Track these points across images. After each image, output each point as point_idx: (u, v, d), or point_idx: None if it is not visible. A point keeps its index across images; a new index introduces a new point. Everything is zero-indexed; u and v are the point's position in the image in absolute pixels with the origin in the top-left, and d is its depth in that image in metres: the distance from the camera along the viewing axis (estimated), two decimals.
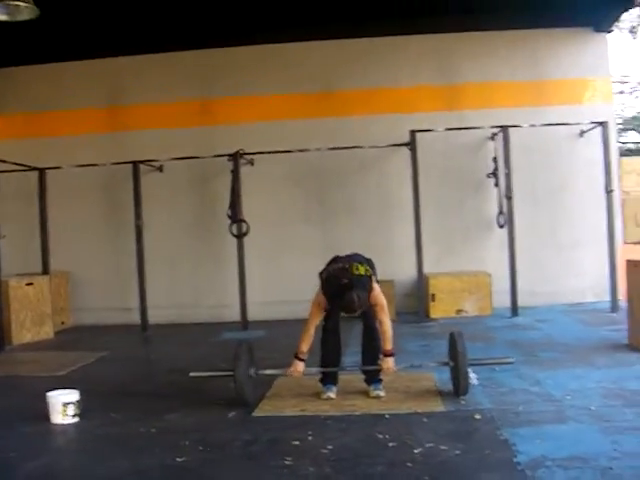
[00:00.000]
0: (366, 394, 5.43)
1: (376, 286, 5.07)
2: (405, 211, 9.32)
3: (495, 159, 9.65)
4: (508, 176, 9.07)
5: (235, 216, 9.21)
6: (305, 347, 5.12)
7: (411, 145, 9.12)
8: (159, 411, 5.24)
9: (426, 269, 9.22)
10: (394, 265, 9.23)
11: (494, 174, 9.71)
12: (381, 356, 5.19)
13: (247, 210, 9.33)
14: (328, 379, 5.40)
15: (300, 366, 5.13)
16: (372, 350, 5.35)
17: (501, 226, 9.58)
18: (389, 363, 5.14)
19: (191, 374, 5.48)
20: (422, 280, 9.25)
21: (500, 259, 9.45)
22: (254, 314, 9.49)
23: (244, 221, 9.26)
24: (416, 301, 9.44)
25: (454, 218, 10.10)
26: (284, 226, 10.08)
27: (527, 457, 3.91)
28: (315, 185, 10.07)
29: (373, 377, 5.40)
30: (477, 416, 4.77)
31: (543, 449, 4.01)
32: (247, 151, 9.54)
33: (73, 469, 4.17)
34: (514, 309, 9.14)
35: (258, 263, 9.90)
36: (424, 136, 9.28)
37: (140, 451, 4.38)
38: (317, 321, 5.11)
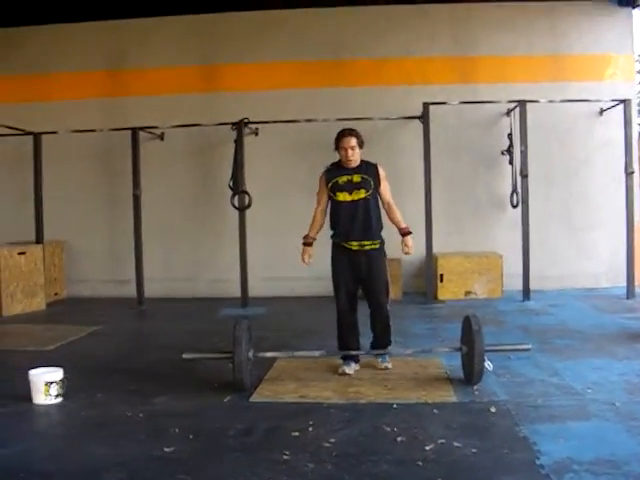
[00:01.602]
0: (372, 380, 5.18)
1: (385, 178, 5.39)
2: (415, 187, 8.99)
3: (510, 135, 9.31)
4: (524, 153, 8.71)
5: (237, 188, 8.92)
6: (313, 232, 5.43)
7: (424, 118, 8.79)
8: (148, 393, 4.93)
9: (435, 248, 8.93)
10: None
11: (508, 151, 9.38)
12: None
13: (250, 182, 9.05)
14: (349, 355, 5.39)
15: (308, 251, 5.39)
16: (380, 328, 5.40)
17: (514, 206, 9.24)
18: (409, 241, 5.36)
19: (184, 356, 5.10)
20: (430, 260, 8.95)
21: (512, 240, 9.17)
22: (255, 290, 9.26)
23: (246, 193, 8.95)
24: (424, 281, 9.18)
25: (465, 196, 9.80)
26: (288, 199, 9.77)
27: (550, 459, 3.56)
28: (321, 157, 9.23)
29: (383, 352, 5.43)
30: (492, 409, 4.46)
31: (568, 450, 3.66)
32: (251, 120, 9.23)
33: (48, 458, 3.79)
34: (526, 292, 8.82)
35: (260, 237, 9.64)
36: (437, 109, 8.98)
37: (124, 438, 4.04)
38: (323, 205, 5.42)
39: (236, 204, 8.98)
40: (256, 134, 9.74)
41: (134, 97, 9.97)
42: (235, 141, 9.00)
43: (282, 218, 9.76)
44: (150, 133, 9.74)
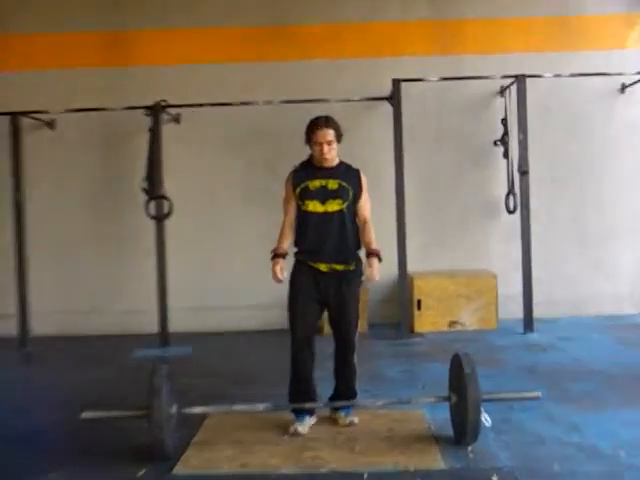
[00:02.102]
0: (334, 441, 5.09)
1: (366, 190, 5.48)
2: (383, 187, 8.76)
3: (505, 121, 9.30)
4: (523, 144, 8.67)
5: (153, 191, 8.73)
6: (285, 243, 5.42)
7: (393, 99, 8.71)
8: (35, 469, 4.70)
9: (410, 266, 8.84)
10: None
11: (502, 141, 9.37)
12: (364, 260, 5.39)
13: (170, 183, 8.87)
14: (303, 409, 5.38)
15: (280, 263, 5.33)
16: (347, 374, 5.41)
17: (511, 211, 9.24)
18: (374, 263, 5.26)
19: (83, 415, 4.87)
20: (404, 281, 8.86)
21: (509, 255, 9.17)
22: (177, 324, 9.10)
23: (166, 198, 8.77)
24: (396, 309, 9.07)
25: (449, 198, 9.76)
26: (219, 207, 9.65)
27: None
28: (263, 152, 9.66)
29: (348, 404, 5.44)
30: (494, 478, 4.33)
31: None
32: (171, 103, 9.07)
33: None
34: (528, 322, 8.79)
35: (184, 255, 9.47)
36: (411, 87, 8.94)
37: None
38: (292, 216, 5.44)
39: (152, 212, 8.80)
40: (177, 121, 9.61)
41: (12, 73, 9.73)
42: (150, 130, 8.81)
43: (213, 231, 9.63)
44: (36, 119, 9.51)
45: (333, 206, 5.30)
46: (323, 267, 5.31)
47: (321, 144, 5.28)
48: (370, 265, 5.26)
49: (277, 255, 5.38)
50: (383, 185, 8.82)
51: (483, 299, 9.10)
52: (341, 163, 5.45)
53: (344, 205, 5.31)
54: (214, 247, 9.55)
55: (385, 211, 8.49)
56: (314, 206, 5.31)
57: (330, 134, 5.30)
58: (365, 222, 5.42)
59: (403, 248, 8.69)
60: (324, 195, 5.31)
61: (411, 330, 8.99)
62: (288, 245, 5.46)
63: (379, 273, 5.27)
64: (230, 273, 9.55)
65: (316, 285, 5.32)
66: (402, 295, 8.93)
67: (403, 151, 8.66)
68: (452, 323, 9.12)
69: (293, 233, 5.45)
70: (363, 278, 5.35)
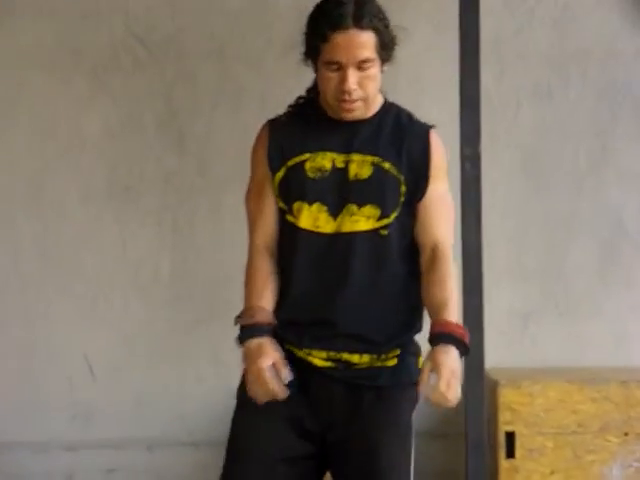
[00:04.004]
0: None
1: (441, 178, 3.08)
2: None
3: None
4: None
5: None
6: (265, 295, 3.00)
7: None
8: None
9: (491, 358, 5.28)
10: None
11: None
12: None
13: None
14: None
15: (265, 349, 2.86)
16: None
17: None
18: (449, 362, 2.80)
19: None
20: (479, 390, 5.17)
21: None
22: None
23: None
24: (453, 453, 5.89)
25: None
26: (52, 210, 5.91)
27: None
28: (154, 90, 5.85)
29: None
30: None
31: None
32: None
33: None
34: None
35: None
36: None
37: None
38: (269, 230, 3.04)
39: None
40: None
41: None
42: None
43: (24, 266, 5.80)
44: None
45: (358, 221, 2.89)
46: (320, 360, 2.90)
47: (343, 69, 2.76)
48: (438, 365, 2.73)
49: (253, 329, 2.90)
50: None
51: None
52: (386, 109, 2.92)
53: (386, 220, 2.88)
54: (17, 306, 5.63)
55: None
56: (313, 218, 2.89)
57: (366, 44, 2.76)
58: (436, 253, 2.94)
59: (477, 315, 5.00)
60: (339, 192, 2.86)
61: None
62: (272, 300, 2.95)
63: (456, 389, 2.75)
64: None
65: (303, 405, 2.90)
66: (472, 421, 5.12)
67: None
68: None
69: (272, 268, 2.99)
70: (421, 395, 2.83)
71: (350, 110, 2.71)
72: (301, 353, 2.87)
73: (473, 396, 4.94)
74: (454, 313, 2.79)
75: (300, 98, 2.94)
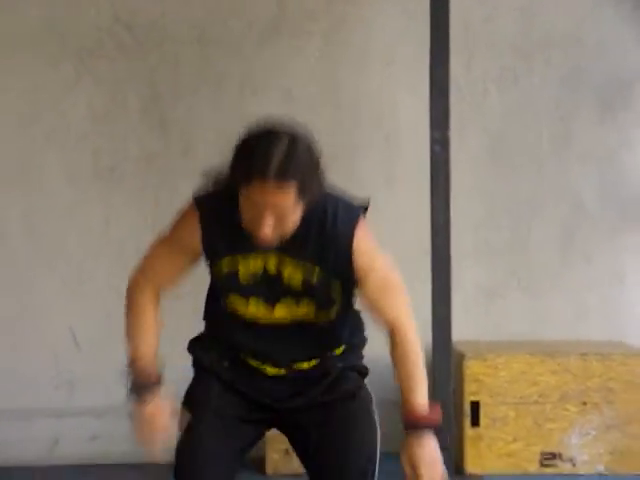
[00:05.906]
0: None
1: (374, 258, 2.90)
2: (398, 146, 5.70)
3: None
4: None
5: None
6: (146, 345, 2.81)
7: None
8: None
9: (458, 331, 5.31)
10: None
11: None
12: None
13: None
14: None
15: (152, 408, 2.68)
16: None
17: None
18: (426, 452, 2.71)
19: None
20: (446, 361, 5.35)
21: None
22: None
23: None
24: None
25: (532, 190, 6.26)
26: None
27: None
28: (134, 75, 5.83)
29: None
30: None
31: None
32: None
33: None
34: None
35: None
36: None
37: None
38: (163, 277, 2.90)
39: None
40: None
41: None
42: None
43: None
44: None
45: (296, 310, 2.84)
46: (271, 369, 2.91)
47: (260, 211, 2.59)
48: (417, 463, 2.65)
49: (139, 384, 2.73)
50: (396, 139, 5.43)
51: (619, 407, 5.34)
52: (312, 211, 2.66)
53: (326, 310, 2.83)
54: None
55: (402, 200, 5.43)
56: (252, 309, 2.82)
57: (285, 198, 2.55)
58: (394, 333, 2.80)
59: (444, 292, 5.10)
60: (274, 291, 2.79)
61: (458, 470, 5.28)
62: (153, 345, 2.81)
63: (441, 466, 2.70)
64: None
65: (251, 389, 2.91)
66: (439, 392, 5.18)
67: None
68: (548, 457, 5.44)
69: (156, 313, 2.82)
70: (403, 456, 2.73)
71: (264, 244, 2.62)
72: (253, 362, 2.92)
73: (440, 368, 5.12)
74: (422, 392, 2.75)
75: (226, 189, 2.71)
